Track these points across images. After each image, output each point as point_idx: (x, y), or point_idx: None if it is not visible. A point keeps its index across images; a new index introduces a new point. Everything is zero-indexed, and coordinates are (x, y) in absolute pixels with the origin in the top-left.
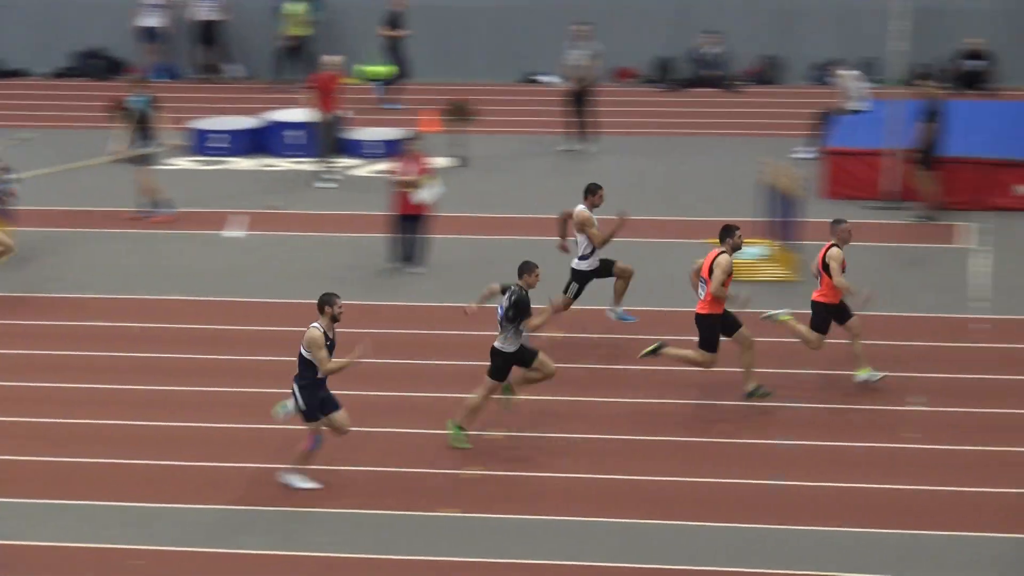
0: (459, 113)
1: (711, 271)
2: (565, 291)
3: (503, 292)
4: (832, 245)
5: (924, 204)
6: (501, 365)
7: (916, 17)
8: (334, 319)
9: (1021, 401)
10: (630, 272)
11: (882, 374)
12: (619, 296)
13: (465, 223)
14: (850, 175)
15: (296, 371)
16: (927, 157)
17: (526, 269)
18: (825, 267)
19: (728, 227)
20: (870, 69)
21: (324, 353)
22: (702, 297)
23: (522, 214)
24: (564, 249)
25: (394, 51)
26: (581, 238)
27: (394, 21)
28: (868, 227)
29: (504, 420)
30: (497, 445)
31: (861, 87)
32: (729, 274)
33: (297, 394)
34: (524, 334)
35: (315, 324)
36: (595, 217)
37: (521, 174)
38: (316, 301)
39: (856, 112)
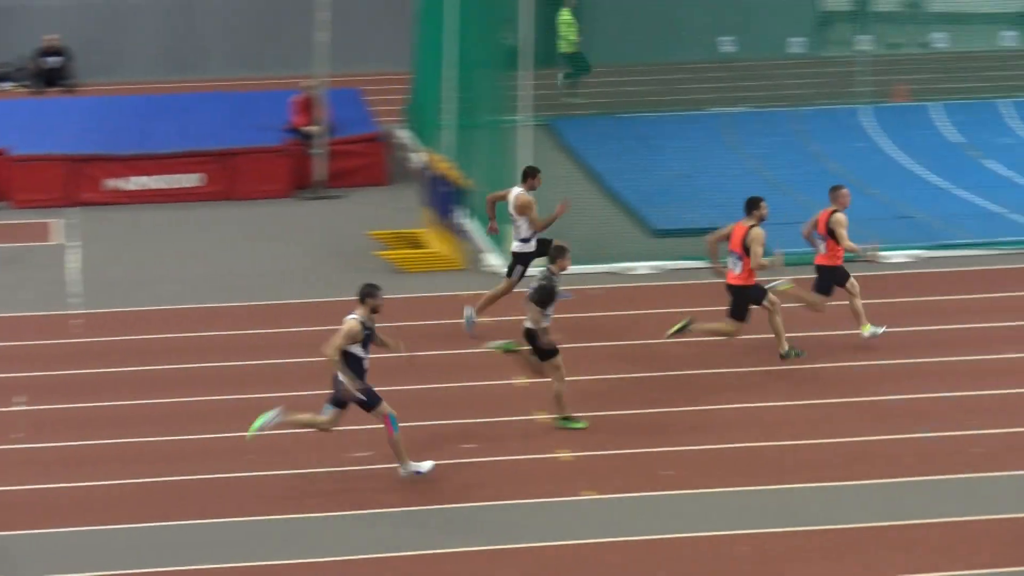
0: None
1: (745, 246)
2: (508, 274)
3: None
4: (834, 211)
5: None
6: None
7: None
8: (374, 311)
9: (151, 390)
10: None
11: (883, 328)
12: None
13: None
14: None
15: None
16: None
17: (559, 254)
18: (830, 232)
19: (754, 199)
20: None
21: (340, 341)
22: (739, 271)
23: None
24: (494, 231)
25: None
26: (521, 221)
27: None
28: None
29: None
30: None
31: None
32: (762, 244)
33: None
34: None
35: (353, 316)
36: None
37: None
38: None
39: None
